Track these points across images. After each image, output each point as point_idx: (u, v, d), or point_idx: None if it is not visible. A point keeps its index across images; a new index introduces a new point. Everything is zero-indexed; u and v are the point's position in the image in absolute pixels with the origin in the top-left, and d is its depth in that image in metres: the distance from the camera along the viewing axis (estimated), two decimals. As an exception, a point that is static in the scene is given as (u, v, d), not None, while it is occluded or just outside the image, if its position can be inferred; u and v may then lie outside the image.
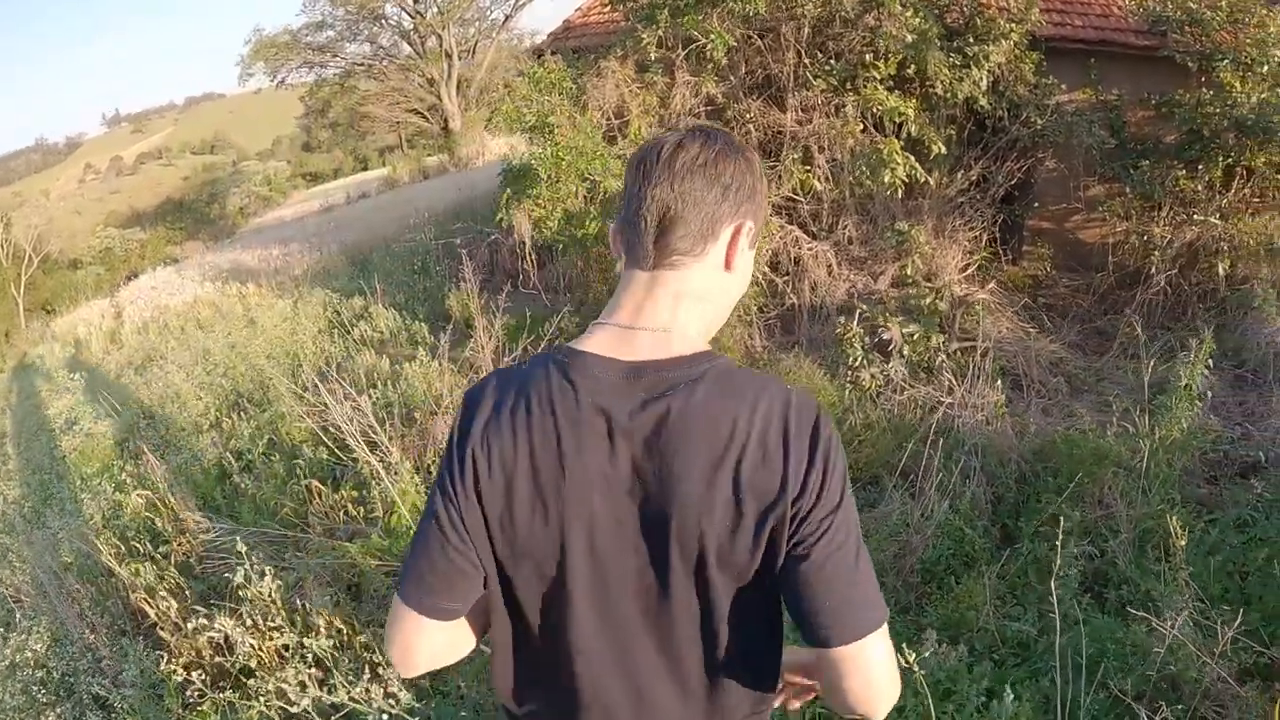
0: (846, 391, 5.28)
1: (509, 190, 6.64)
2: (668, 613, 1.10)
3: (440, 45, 30.46)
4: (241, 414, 6.60)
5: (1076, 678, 2.46)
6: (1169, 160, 6.79)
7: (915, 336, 5.61)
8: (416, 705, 2.87)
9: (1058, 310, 7.23)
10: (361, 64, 31.65)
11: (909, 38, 6.31)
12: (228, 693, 3.14)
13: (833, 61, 6.72)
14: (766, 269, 6.14)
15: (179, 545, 4.53)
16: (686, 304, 1.12)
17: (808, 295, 6.74)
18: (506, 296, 5.77)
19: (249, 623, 3.25)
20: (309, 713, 2.83)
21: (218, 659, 3.32)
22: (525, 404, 1.09)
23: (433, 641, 1.16)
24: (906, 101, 6.28)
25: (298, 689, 2.81)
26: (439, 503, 1.11)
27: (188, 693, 3.12)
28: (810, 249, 6.79)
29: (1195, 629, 2.57)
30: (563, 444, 1.06)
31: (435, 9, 29.89)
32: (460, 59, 30.93)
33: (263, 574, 3.32)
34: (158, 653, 3.50)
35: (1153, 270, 6.45)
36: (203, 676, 3.05)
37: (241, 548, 3.44)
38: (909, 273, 6.60)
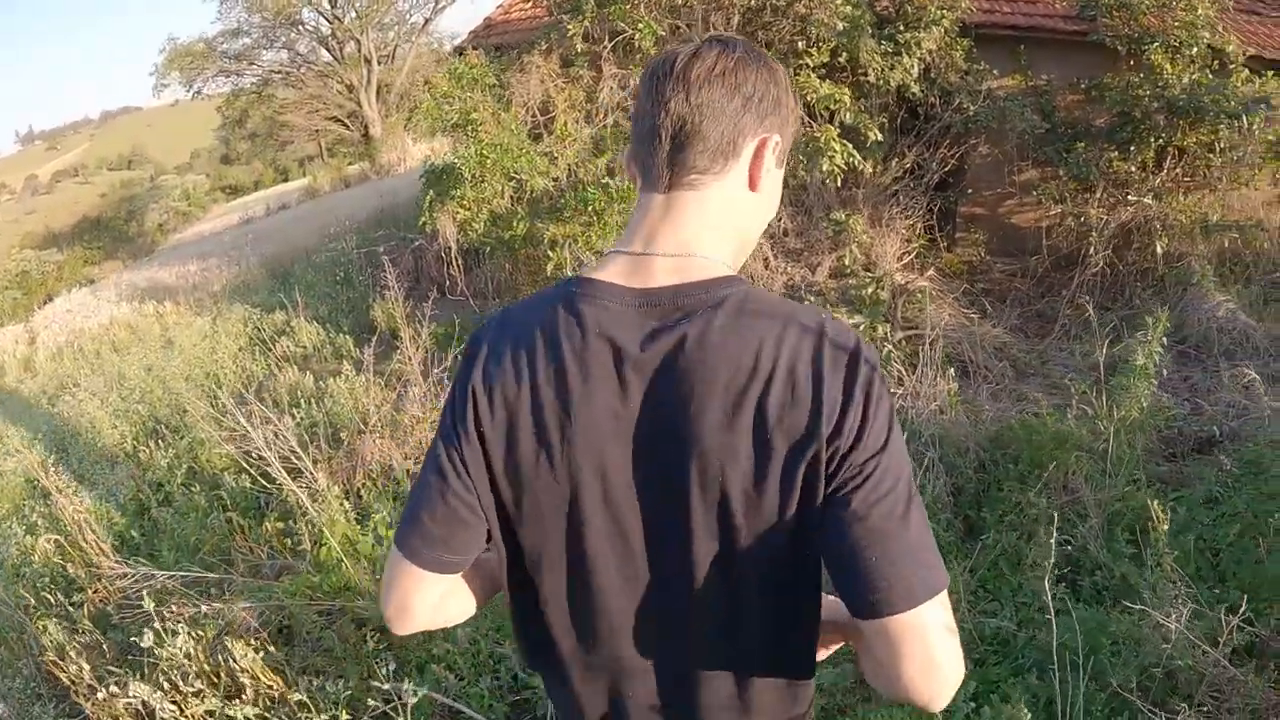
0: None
1: (432, 192, 6.32)
2: (690, 569, 0.97)
3: (359, 50, 29.85)
4: (159, 441, 6.15)
5: (1071, 673, 2.30)
6: (1101, 143, 6.83)
7: (861, 328, 5.48)
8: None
9: (996, 295, 7.21)
10: (279, 71, 30.90)
11: (840, 25, 6.21)
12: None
13: (765, 50, 6.57)
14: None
15: (94, 593, 4.10)
16: (711, 227, 1.00)
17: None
18: (434, 304, 5.45)
19: (168, 686, 2.89)
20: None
21: (142, 728, 2.95)
22: (529, 338, 0.99)
23: (431, 596, 1.06)
24: (840, 89, 6.16)
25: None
26: (439, 447, 1.02)
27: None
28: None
29: (1190, 615, 2.43)
30: (568, 380, 0.96)
31: (353, 13, 29.26)
32: (380, 64, 30.34)
33: (176, 632, 2.96)
34: (80, 720, 3.13)
35: (1091, 251, 6.45)
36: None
37: (149, 605, 3.05)
38: (848, 263, 6.50)
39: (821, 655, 1.15)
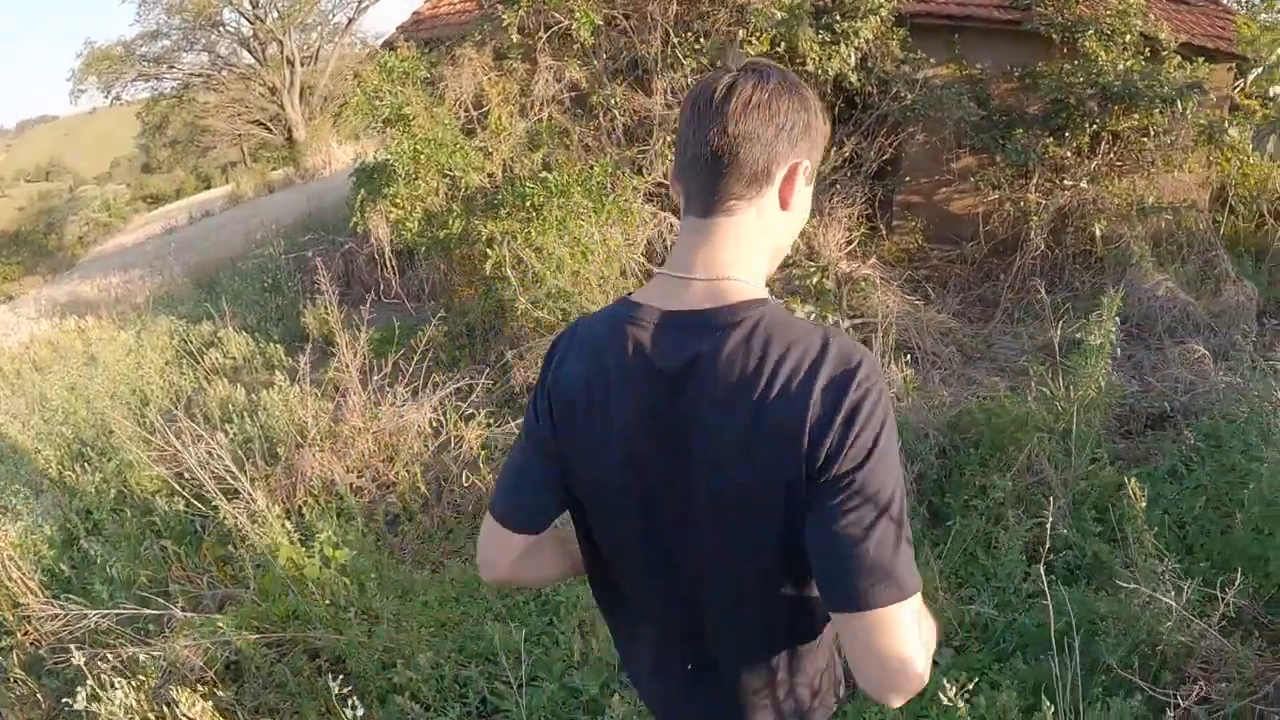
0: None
1: (363, 191, 6.06)
2: (700, 555, 1.15)
3: (282, 52, 28.97)
4: (86, 465, 5.78)
5: (1063, 655, 2.23)
6: (1036, 129, 6.92)
7: (812, 316, 5.40)
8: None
9: (936, 281, 7.25)
10: (199, 75, 29.86)
11: (779, 15, 6.17)
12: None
13: (702, 40, 6.47)
14: (642, 259, 5.84)
15: (24, 635, 3.78)
16: (744, 249, 1.10)
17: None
18: (369, 308, 5.21)
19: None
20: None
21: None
22: (588, 350, 1.16)
23: (512, 550, 1.26)
24: (780, 77, 6.09)
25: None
26: (522, 434, 1.25)
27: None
28: (687, 235, 6.50)
29: (1175, 591, 2.39)
30: (610, 389, 1.12)
31: (275, 14, 28.41)
32: (303, 65, 29.49)
33: (115, 684, 2.68)
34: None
35: (1031, 235, 6.51)
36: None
37: (79, 659, 2.74)
38: (791, 252, 6.44)
39: None
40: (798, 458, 0.99)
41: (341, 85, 27.77)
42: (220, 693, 2.97)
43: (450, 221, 5.75)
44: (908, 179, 7.92)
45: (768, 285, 1.14)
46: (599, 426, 1.13)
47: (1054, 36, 6.86)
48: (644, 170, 6.32)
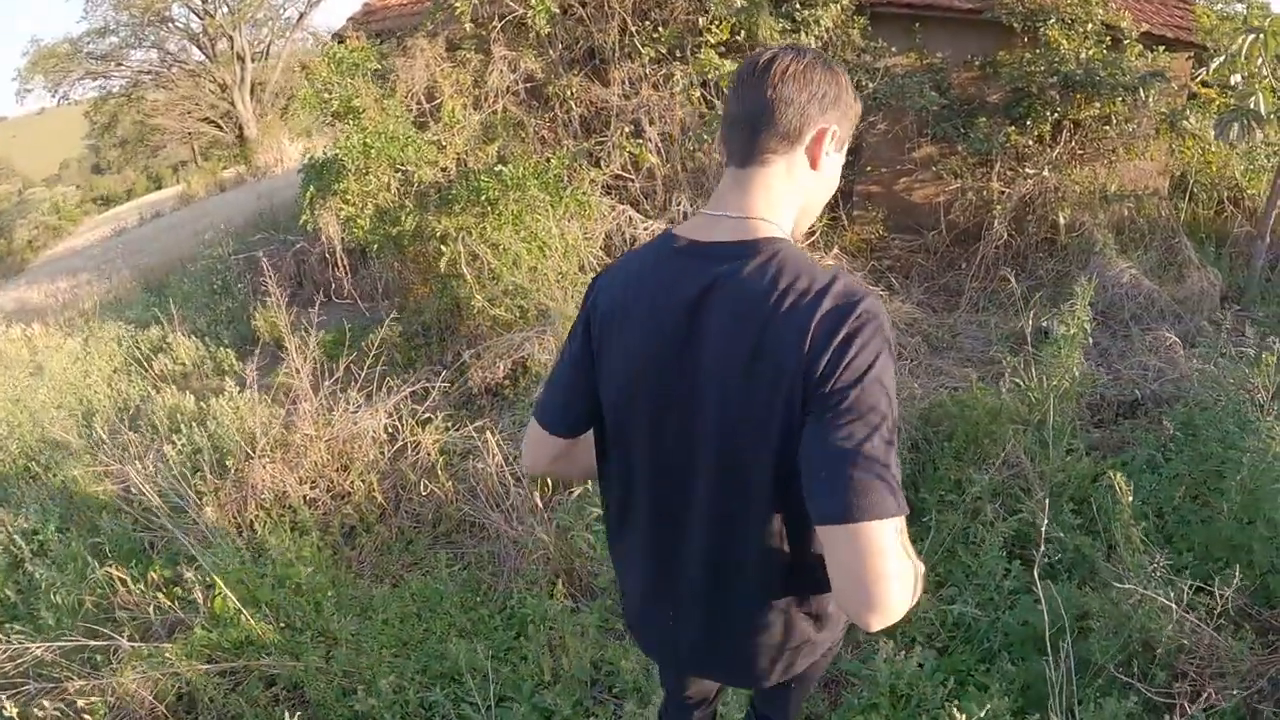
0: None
1: (312, 188, 5.83)
2: (699, 469, 1.25)
3: (232, 47, 28.33)
4: (31, 482, 5.48)
5: (1054, 654, 2.14)
6: (998, 118, 6.89)
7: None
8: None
9: (899, 271, 7.19)
10: (148, 72, 29.13)
11: (739, 3, 6.05)
12: None
13: (660, 29, 6.33)
14: (601, 253, 5.69)
15: None
16: (774, 196, 1.22)
17: (648, 278, 6.29)
18: (320, 309, 4.99)
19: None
20: None
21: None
22: (626, 276, 1.30)
23: (553, 449, 1.42)
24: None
25: None
26: (566, 344, 1.39)
27: None
28: (646, 228, 6.35)
29: (1166, 587, 2.31)
30: (639, 308, 1.25)
31: (225, 9, 27.75)
32: (254, 61, 28.83)
33: None
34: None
35: (994, 223, 6.46)
36: None
37: (12, 711, 2.49)
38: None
39: None
40: (795, 373, 1.08)
41: (293, 81, 27.21)
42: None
43: (403, 218, 5.54)
44: (868, 168, 7.85)
45: None
46: (627, 341, 1.27)
47: (1015, 25, 6.83)
48: (602, 162, 6.16)
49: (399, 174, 5.71)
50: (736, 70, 1.24)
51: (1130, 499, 2.33)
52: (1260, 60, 5.72)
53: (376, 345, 4.97)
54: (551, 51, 6.54)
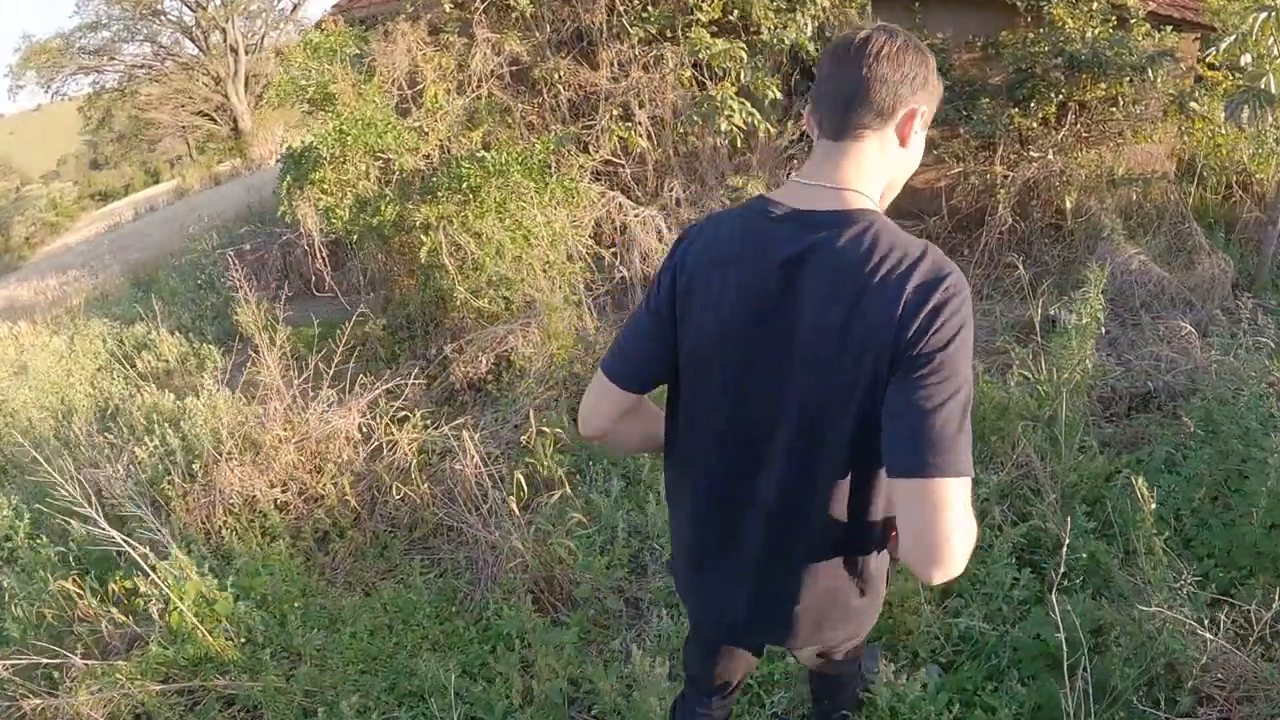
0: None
1: (289, 178, 5.62)
2: (779, 424, 1.28)
3: (225, 40, 28.12)
4: (7, 485, 5.29)
5: (1067, 674, 1.95)
6: (1001, 99, 6.69)
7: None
8: None
9: (901, 259, 6.97)
10: (142, 66, 28.97)
11: (731, -20, 5.81)
12: None
13: (650, 9, 6.10)
14: (590, 241, 5.47)
15: None
16: (865, 170, 1.26)
17: (639, 266, 6.06)
18: (287, 303, 4.78)
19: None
20: None
21: None
22: (717, 234, 1.34)
23: (615, 407, 1.43)
24: (736, 44, 5.74)
25: None
26: (646, 298, 1.40)
27: None
28: (637, 215, 6.12)
29: (1190, 603, 2.11)
30: (728, 269, 1.29)
31: (217, 1, 27.50)
32: (248, 53, 28.60)
33: None
34: None
35: (999, 208, 6.24)
36: None
37: None
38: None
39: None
40: (886, 340, 1.14)
41: (277, 71, 27.01)
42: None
43: (384, 207, 5.33)
44: (868, 153, 7.64)
45: None
46: (713, 299, 1.29)
47: (1018, 4, 6.64)
48: (590, 147, 5.94)
49: (379, 162, 5.50)
50: (830, 48, 1.28)
51: (1152, 506, 2.11)
52: (1271, 40, 5.49)
53: (356, 340, 4.77)
54: (537, 33, 6.32)
